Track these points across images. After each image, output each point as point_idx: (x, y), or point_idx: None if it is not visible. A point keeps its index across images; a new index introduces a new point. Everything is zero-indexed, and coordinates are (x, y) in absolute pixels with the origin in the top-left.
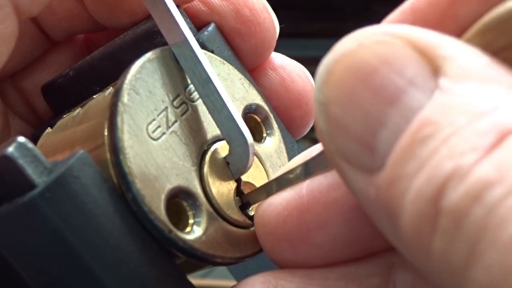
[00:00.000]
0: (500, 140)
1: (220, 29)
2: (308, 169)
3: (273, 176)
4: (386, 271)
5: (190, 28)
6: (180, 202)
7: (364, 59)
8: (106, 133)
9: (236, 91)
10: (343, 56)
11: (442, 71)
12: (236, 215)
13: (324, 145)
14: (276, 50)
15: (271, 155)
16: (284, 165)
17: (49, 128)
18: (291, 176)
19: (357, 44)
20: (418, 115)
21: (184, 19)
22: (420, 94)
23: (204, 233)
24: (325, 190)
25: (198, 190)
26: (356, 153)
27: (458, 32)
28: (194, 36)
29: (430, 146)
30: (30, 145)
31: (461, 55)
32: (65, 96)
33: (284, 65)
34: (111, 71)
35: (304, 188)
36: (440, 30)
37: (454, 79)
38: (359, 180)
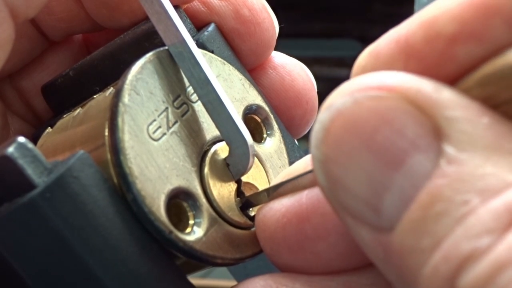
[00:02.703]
0: None
1: (219, 29)
2: (309, 177)
3: (273, 177)
4: (387, 281)
5: (190, 29)
6: (180, 203)
7: (361, 118)
8: (106, 134)
9: (236, 91)
10: (338, 113)
11: (444, 135)
12: (236, 216)
13: (325, 198)
14: (276, 50)
15: (271, 156)
16: (285, 167)
17: (49, 128)
18: (292, 181)
19: (352, 101)
20: (427, 185)
21: (184, 20)
22: (425, 159)
23: (205, 234)
24: (324, 200)
25: (198, 191)
26: (361, 212)
27: (456, 75)
28: (194, 36)
29: (445, 225)
30: (30, 145)
31: (462, 117)
32: (65, 96)
33: (284, 64)
34: (111, 71)
35: (304, 196)
36: (437, 70)
37: (459, 148)
38: (364, 234)
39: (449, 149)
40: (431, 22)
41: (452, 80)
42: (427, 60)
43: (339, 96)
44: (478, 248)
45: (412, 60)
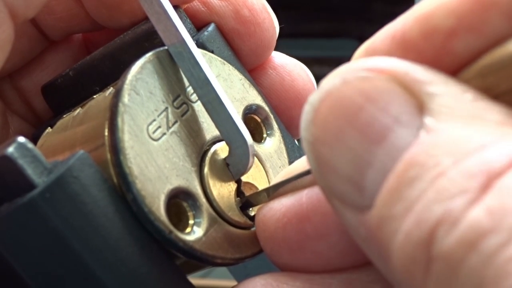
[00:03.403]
0: (489, 183)
1: (219, 29)
2: (309, 176)
3: (273, 176)
4: None
5: (190, 29)
6: (180, 203)
7: (348, 97)
8: (106, 134)
9: (236, 91)
10: (327, 94)
11: (426, 109)
12: (236, 216)
13: (316, 183)
14: (276, 50)
15: (271, 156)
16: (285, 167)
17: (49, 128)
18: (292, 181)
19: (341, 81)
20: (404, 155)
21: (184, 20)
22: (406, 133)
23: (205, 234)
24: (324, 199)
25: (198, 190)
26: (346, 192)
27: (455, 68)
28: (194, 36)
29: (417, 188)
30: (30, 145)
31: (446, 92)
32: (65, 96)
33: (284, 64)
34: (111, 71)
35: (304, 196)
36: (435, 65)
37: (439, 118)
38: (350, 217)
39: (428, 121)
40: (427, 16)
41: (451, 73)
42: (425, 55)
43: (330, 77)
44: (451, 210)
45: (410, 55)
